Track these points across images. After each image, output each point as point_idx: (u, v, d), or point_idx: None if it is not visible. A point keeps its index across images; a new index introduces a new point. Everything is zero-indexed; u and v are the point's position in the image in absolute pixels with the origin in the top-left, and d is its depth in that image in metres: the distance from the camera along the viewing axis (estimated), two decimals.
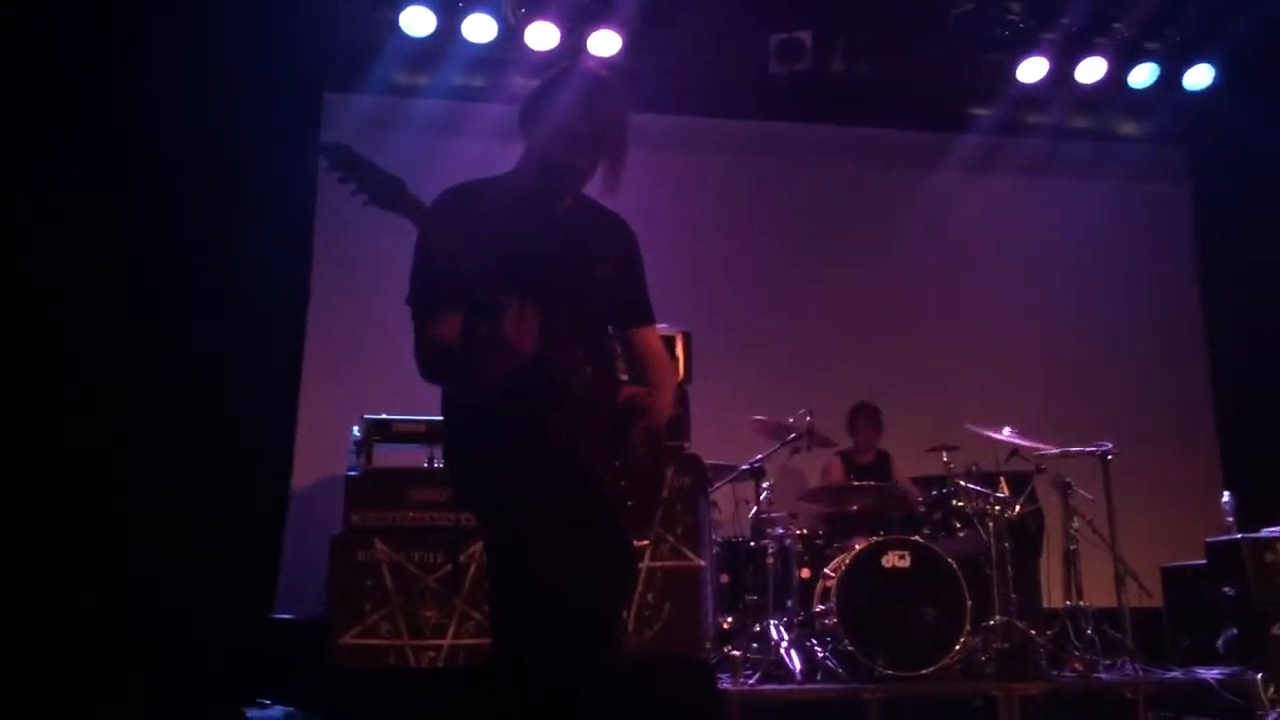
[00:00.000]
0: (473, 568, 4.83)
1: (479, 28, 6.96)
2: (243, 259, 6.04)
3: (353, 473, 5.04)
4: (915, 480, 6.60)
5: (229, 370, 5.84)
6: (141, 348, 5.66)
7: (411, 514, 4.89)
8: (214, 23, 6.04)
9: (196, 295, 5.89)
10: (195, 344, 5.80)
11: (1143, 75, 7.59)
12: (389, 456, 5.26)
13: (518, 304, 2.39)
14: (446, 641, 4.79)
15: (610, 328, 2.83)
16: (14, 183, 5.21)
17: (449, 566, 4.84)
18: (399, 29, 6.89)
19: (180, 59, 5.95)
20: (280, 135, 6.40)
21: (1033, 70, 7.48)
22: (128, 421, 5.48)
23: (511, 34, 7.02)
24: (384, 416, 5.28)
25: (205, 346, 5.82)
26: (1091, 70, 7.50)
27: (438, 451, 5.18)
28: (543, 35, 6.98)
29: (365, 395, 5.75)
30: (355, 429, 5.26)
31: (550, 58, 6.92)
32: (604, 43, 7.01)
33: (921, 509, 6.10)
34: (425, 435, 5.24)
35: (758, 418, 6.26)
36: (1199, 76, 7.62)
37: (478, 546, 4.76)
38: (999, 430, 6.03)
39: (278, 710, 4.83)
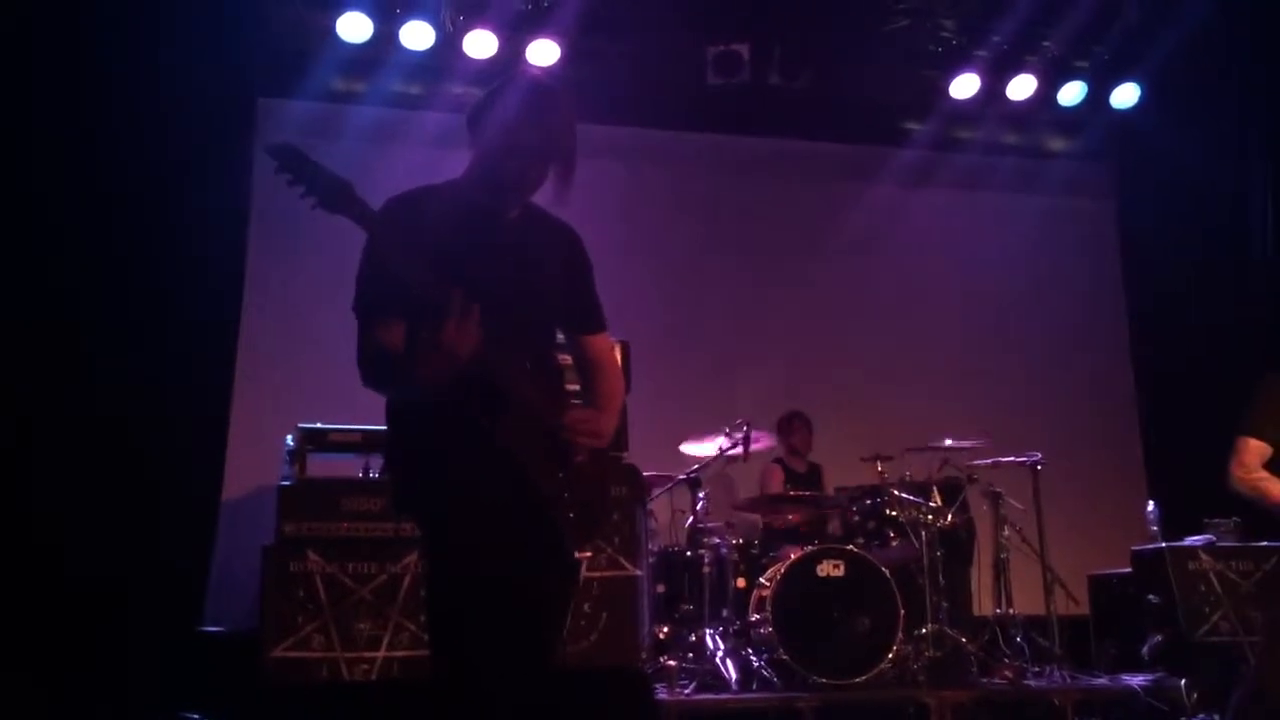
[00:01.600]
0: (408, 579, 4.78)
1: (417, 35, 6.92)
2: (175, 265, 5.96)
3: (286, 482, 4.96)
4: (847, 490, 6.63)
5: (160, 378, 5.75)
6: (72, 355, 5.56)
7: (345, 524, 4.81)
8: (143, 26, 5.96)
9: (128, 301, 5.80)
10: (126, 351, 5.71)
11: (1071, 93, 7.77)
12: (324, 466, 5.19)
13: (460, 304, 2.37)
14: (380, 654, 4.73)
15: (560, 335, 2.83)
16: None
17: (384, 577, 4.78)
18: (335, 35, 6.82)
19: (109, 63, 5.86)
20: (213, 141, 6.32)
21: (965, 86, 7.62)
22: (55, 428, 5.38)
23: (450, 41, 6.99)
24: (319, 425, 5.21)
25: (136, 354, 5.74)
26: (1022, 87, 7.66)
27: (374, 461, 5.13)
28: (481, 43, 6.96)
29: (299, 404, 5.67)
30: (289, 438, 5.18)
31: (488, 66, 6.92)
32: (542, 51, 7.02)
33: (843, 525, 6.17)
34: (361, 445, 5.18)
35: (700, 420, 6.28)
36: (1125, 95, 7.81)
37: (413, 557, 4.72)
38: (937, 441, 6.11)
39: None
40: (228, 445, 6.37)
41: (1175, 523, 6.26)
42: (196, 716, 4.84)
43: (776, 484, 6.75)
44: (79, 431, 5.46)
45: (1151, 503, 6.45)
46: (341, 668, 4.68)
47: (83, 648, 5.11)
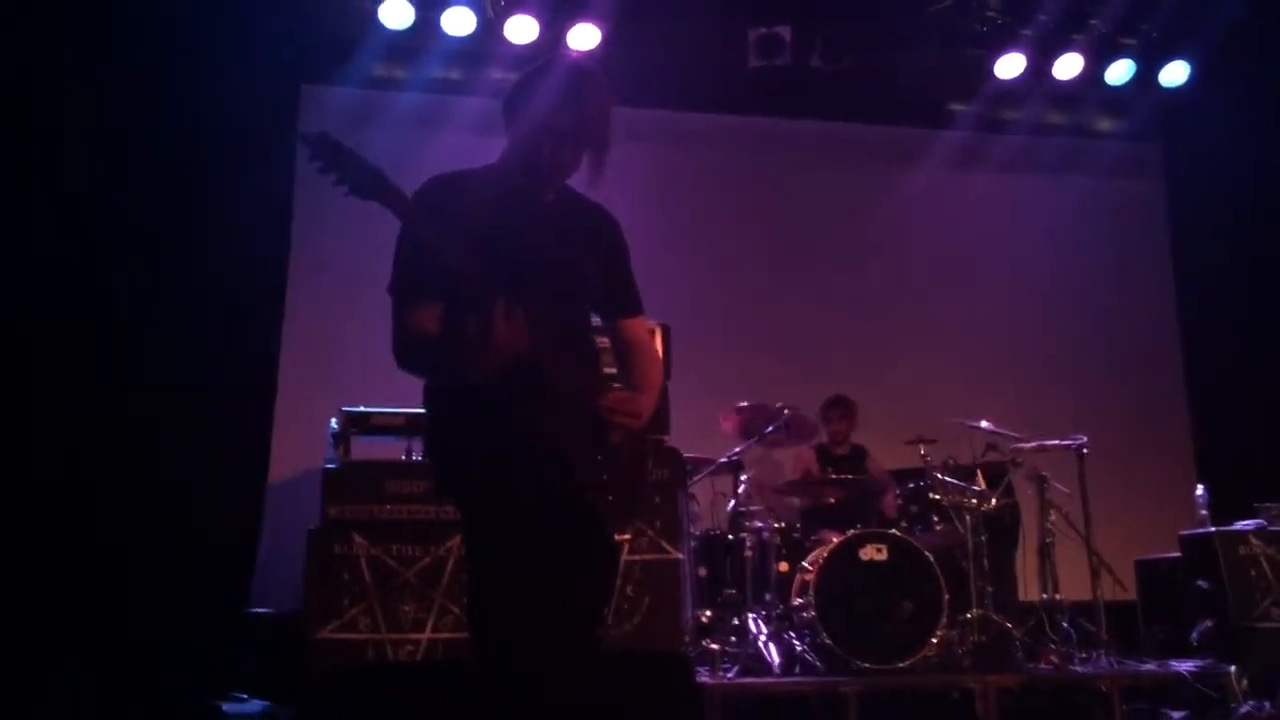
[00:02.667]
0: (451, 561, 4.82)
1: (458, 21, 6.93)
2: (219, 252, 6.02)
3: (330, 465, 5.01)
4: (891, 473, 6.61)
5: (206, 363, 5.82)
6: (119, 342, 5.63)
7: (389, 507, 4.85)
8: (187, 13, 6.01)
9: (173, 289, 5.87)
10: (172, 338, 5.78)
11: (1119, 72, 7.64)
12: (367, 449, 5.24)
13: (505, 304, 2.38)
14: (425, 636, 4.77)
15: (597, 319, 2.83)
16: None
17: (428, 559, 4.82)
18: (377, 21, 6.86)
19: (153, 51, 5.91)
20: (257, 127, 6.37)
21: (1010, 66, 7.51)
22: (104, 416, 5.45)
23: (490, 27, 6.99)
24: (362, 409, 5.25)
25: (182, 340, 5.80)
26: (1068, 66, 7.54)
27: (416, 444, 5.16)
28: (522, 28, 6.96)
29: (343, 388, 5.72)
30: (333, 421, 5.23)
31: (529, 51, 6.90)
32: (583, 36, 7.00)
33: (898, 504, 6.13)
34: (404, 428, 5.21)
35: (740, 404, 6.25)
36: (1174, 73, 7.66)
37: (456, 540, 4.75)
38: (976, 422, 6.05)
39: (255, 705, 4.80)
40: (273, 428, 6.43)
41: (1225, 507, 6.17)
42: (245, 696, 4.92)
43: (811, 469, 6.70)
44: (128, 417, 5.53)
45: (1200, 486, 6.37)
46: (387, 649, 4.73)
47: (132, 630, 5.18)
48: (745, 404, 6.25)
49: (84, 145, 5.72)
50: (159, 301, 5.83)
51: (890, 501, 6.30)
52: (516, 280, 2.43)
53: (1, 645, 4.76)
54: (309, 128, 2.35)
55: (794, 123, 8.08)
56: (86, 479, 5.31)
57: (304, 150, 2.32)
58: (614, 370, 2.88)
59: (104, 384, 5.51)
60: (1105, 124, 8.40)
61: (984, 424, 6.04)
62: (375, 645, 4.72)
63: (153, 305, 5.81)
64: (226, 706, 4.73)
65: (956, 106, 8.06)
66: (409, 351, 2.57)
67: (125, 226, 5.79)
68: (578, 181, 2.73)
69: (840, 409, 6.82)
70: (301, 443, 6.16)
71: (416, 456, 5.14)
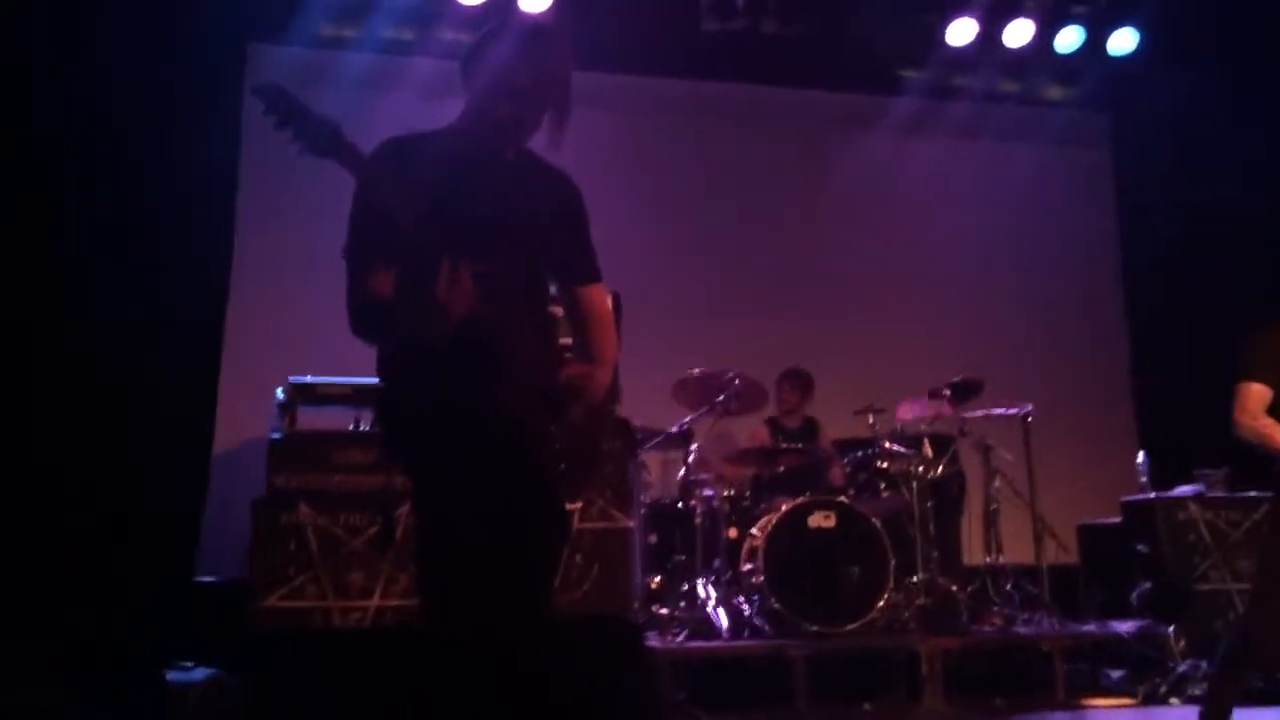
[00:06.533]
0: (399, 530, 4.79)
1: None
2: (163, 215, 5.91)
3: (276, 435, 4.96)
4: (840, 442, 6.65)
5: (150, 332, 5.71)
6: (61, 308, 5.52)
7: (336, 477, 4.82)
8: None
9: (117, 253, 5.75)
10: (115, 305, 5.67)
11: (1069, 39, 7.68)
12: (314, 419, 5.19)
13: (449, 265, 2.34)
14: (373, 603, 4.75)
15: (553, 285, 2.80)
16: None
17: (375, 528, 4.79)
18: None
19: (94, 6, 5.76)
20: (201, 87, 6.24)
21: (962, 32, 7.52)
22: (47, 381, 5.36)
23: None
24: (309, 379, 5.20)
25: (125, 307, 5.69)
26: (1019, 33, 7.57)
27: (364, 414, 5.12)
28: None
29: (290, 357, 5.65)
30: (279, 391, 5.17)
31: (480, 12, 6.82)
32: None
33: (846, 473, 6.18)
34: (351, 398, 5.17)
35: (692, 372, 6.26)
36: (1123, 41, 7.71)
37: (405, 509, 4.72)
38: (925, 398, 6.12)
39: (200, 673, 4.76)
40: (218, 398, 6.36)
41: (1165, 474, 6.29)
42: (190, 664, 4.87)
43: (764, 441, 6.73)
44: (72, 385, 5.43)
45: (1142, 454, 6.48)
46: (334, 616, 4.71)
47: (78, 598, 5.12)
48: (697, 371, 6.25)
49: (20, 107, 5.56)
50: (98, 265, 5.71)
51: (837, 474, 6.36)
52: (470, 241, 2.39)
53: None
54: (258, 81, 2.28)
55: (746, 88, 8.04)
56: (25, 448, 5.22)
57: (257, 104, 2.24)
58: (569, 341, 2.86)
59: (47, 347, 5.40)
60: (1055, 92, 8.46)
61: (932, 400, 6.09)
62: (322, 612, 4.70)
63: (91, 269, 5.69)
64: (172, 675, 4.68)
65: (909, 73, 8.07)
66: (364, 315, 2.52)
67: (64, 188, 5.66)
68: (538, 145, 2.69)
69: (791, 379, 6.85)
70: (248, 412, 6.09)
71: (364, 427, 5.10)
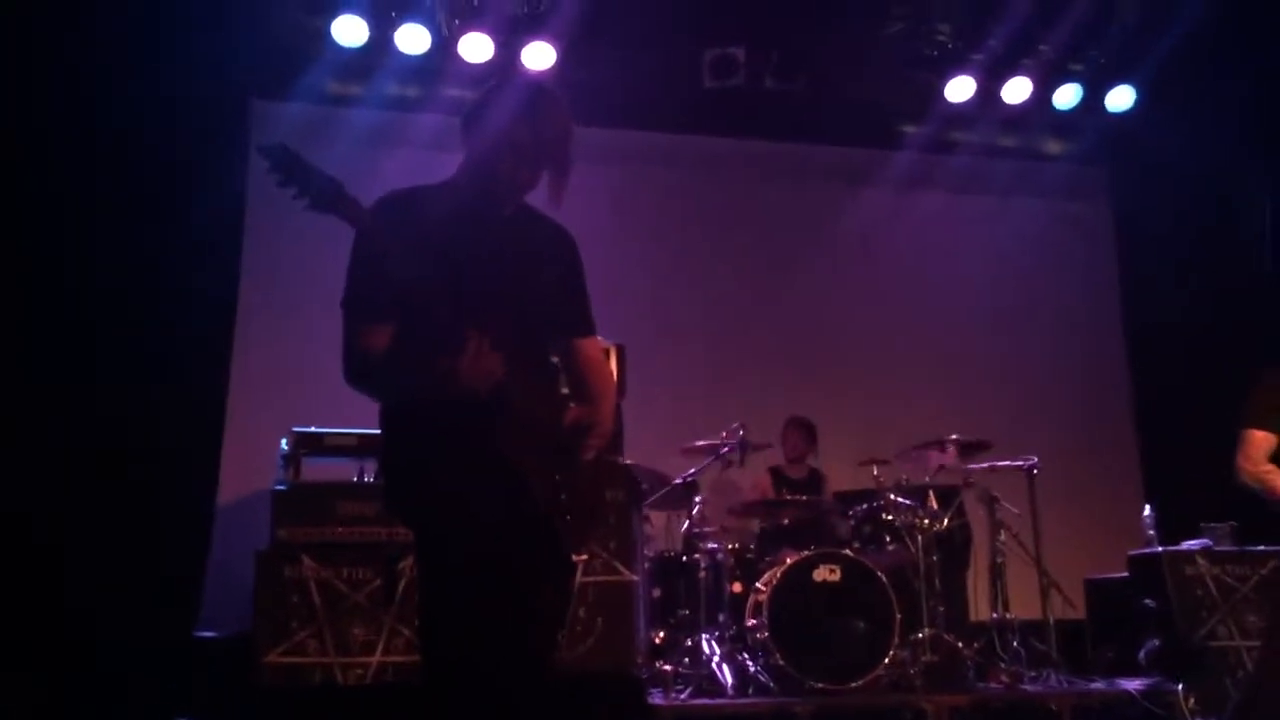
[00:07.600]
0: (402, 583, 4.76)
1: (412, 38, 6.88)
2: (169, 268, 5.94)
3: (280, 487, 4.94)
4: (844, 494, 6.62)
5: (155, 382, 5.72)
6: (65, 359, 5.54)
7: (340, 529, 4.79)
8: (139, 26, 5.94)
9: (122, 304, 5.78)
10: (120, 355, 5.69)
11: (1066, 96, 7.75)
12: (318, 470, 5.17)
13: (478, 341, 2.36)
14: (375, 659, 4.71)
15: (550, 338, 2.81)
16: None
17: (379, 582, 4.75)
18: (330, 38, 6.79)
19: (103, 63, 5.84)
20: (208, 142, 6.30)
21: (960, 89, 7.60)
22: (50, 433, 5.36)
23: (445, 45, 6.96)
24: (313, 429, 5.19)
25: (130, 357, 5.71)
26: (1017, 90, 7.64)
27: (368, 465, 5.11)
28: (477, 47, 6.93)
29: (294, 408, 5.65)
30: (283, 442, 5.16)
31: (484, 69, 6.89)
32: (538, 55, 6.98)
33: (850, 527, 6.15)
34: (356, 448, 5.16)
35: (695, 444, 6.25)
36: (1121, 98, 7.79)
37: (408, 561, 4.69)
38: (934, 448, 6.10)
39: None
40: (223, 449, 6.34)
41: (1172, 527, 6.24)
42: None
43: (766, 493, 6.71)
44: (75, 436, 5.43)
45: (1148, 507, 6.44)
46: (336, 672, 4.66)
47: (79, 652, 5.08)
48: (700, 443, 6.25)
49: (31, 160, 5.62)
50: (104, 316, 5.74)
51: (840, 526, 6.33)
52: (475, 299, 2.41)
53: None
54: (263, 140, 2.32)
55: (747, 143, 8.11)
56: (30, 500, 5.20)
57: (262, 162, 2.28)
58: (567, 391, 2.87)
59: (50, 398, 5.41)
60: (1054, 147, 8.53)
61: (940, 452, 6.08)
62: (324, 669, 4.66)
63: (97, 320, 5.71)
64: None
65: (908, 128, 8.13)
66: (360, 368, 2.54)
67: (72, 239, 5.70)
68: (537, 202, 2.71)
69: (792, 428, 6.86)
70: (251, 463, 6.08)
71: (369, 478, 5.08)
